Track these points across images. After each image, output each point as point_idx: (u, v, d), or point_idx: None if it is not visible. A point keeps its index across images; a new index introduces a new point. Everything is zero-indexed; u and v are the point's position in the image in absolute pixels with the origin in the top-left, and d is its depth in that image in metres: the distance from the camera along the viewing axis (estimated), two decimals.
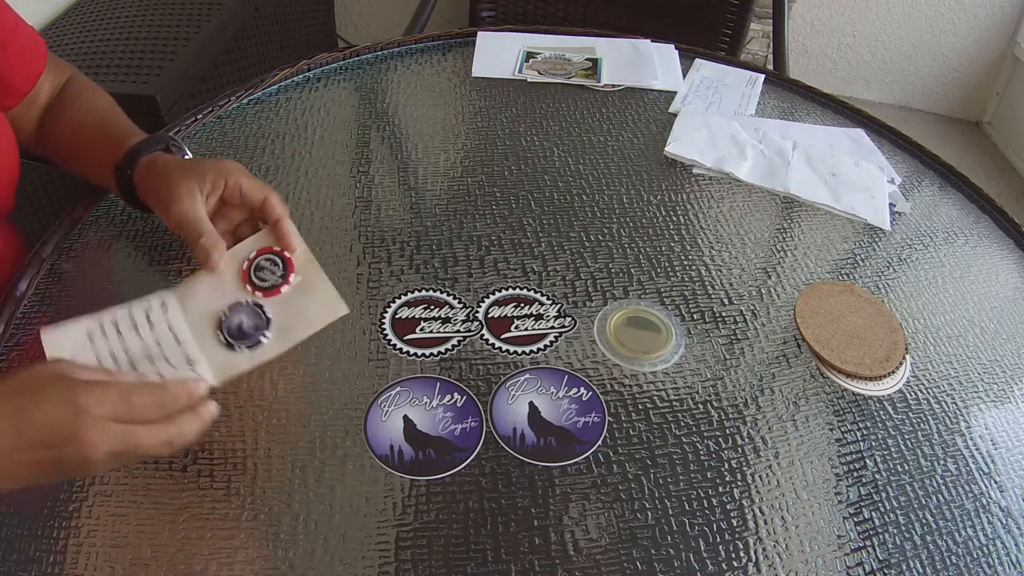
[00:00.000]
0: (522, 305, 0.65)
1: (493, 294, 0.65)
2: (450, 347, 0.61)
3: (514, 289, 0.66)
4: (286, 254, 0.59)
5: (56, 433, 0.44)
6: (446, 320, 0.63)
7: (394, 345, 0.61)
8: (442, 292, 0.65)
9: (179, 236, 0.61)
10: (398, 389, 0.57)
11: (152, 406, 0.46)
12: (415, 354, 0.60)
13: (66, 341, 0.50)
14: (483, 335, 0.62)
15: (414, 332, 0.62)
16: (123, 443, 0.45)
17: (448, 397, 0.57)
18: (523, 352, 0.61)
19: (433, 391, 0.57)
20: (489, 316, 0.64)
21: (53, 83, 0.73)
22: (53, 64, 0.73)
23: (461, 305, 0.64)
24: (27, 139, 0.73)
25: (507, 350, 0.61)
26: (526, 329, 0.63)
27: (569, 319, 0.64)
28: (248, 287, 0.58)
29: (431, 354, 0.60)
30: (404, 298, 0.65)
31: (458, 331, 0.62)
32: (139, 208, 0.66)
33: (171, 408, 0.47)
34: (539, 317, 0.64)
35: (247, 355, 0.55)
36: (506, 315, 0.64)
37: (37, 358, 0.49)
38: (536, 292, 0.66)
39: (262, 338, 0.56)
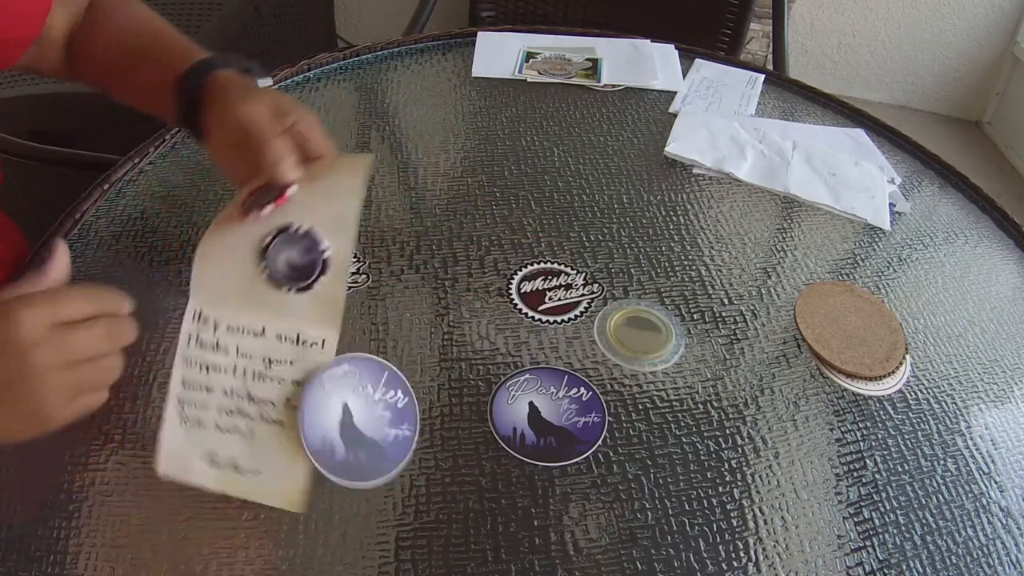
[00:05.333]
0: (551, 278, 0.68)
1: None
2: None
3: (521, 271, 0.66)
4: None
5: None
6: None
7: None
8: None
9: (218, 157, 0.55)
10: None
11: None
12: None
13: (182, 454, 0.48)
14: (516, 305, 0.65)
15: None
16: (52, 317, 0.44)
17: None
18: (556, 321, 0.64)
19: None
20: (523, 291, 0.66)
21: (70, 12, 0.68)
22: None
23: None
24: (55, 73, 0.70)
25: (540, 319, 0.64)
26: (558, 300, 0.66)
27: (597, 285, 0.67)
28: (252, 214, 0.50)
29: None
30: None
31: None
32: (188, 124, 0.60)
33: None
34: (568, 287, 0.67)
35: (329, 280, 0.48)
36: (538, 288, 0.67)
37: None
38: (564, 266, 0.67)
39: (324, 250, 0.49)
